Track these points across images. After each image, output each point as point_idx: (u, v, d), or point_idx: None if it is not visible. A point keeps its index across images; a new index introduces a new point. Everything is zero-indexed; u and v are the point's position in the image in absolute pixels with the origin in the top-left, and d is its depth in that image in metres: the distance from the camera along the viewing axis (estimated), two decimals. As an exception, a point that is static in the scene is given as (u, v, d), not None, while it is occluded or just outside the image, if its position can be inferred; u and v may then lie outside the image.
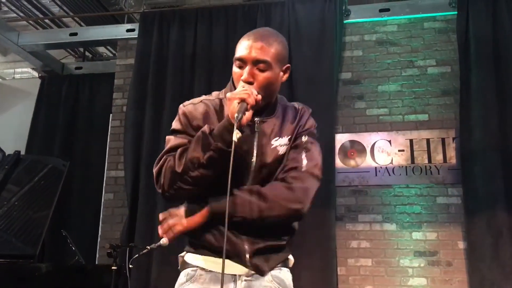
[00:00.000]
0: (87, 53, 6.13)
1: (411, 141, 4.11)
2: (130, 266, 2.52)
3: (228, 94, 1.41)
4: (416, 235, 3.88)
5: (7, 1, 5.43)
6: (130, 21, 5.09)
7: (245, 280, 1.47)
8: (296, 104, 1.67)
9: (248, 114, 1.37)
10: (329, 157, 4.04)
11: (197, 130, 1.44)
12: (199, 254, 1.49)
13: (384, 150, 4.14)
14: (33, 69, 6.43)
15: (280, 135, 1.53)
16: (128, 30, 4.81)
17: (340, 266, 3.85)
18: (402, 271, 3.80)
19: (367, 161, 4.15)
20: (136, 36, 4.65)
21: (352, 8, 4.41)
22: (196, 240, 1.50)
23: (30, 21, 5.67)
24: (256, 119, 1.50)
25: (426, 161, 4.03)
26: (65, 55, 6.08)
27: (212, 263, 1.47)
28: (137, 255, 2.51)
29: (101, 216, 4.45)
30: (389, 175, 4.09)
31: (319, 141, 4.07)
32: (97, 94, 5.32)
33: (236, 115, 1.33)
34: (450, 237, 3.83)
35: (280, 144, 1.53)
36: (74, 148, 5.16)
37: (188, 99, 1.62)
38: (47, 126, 5.25)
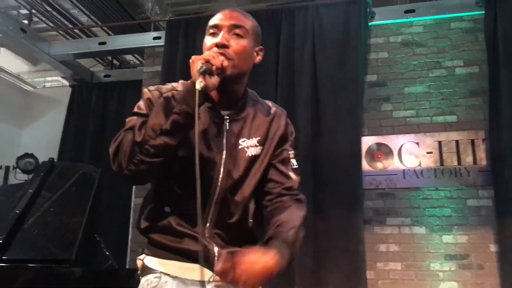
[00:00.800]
0: (115, 61, 6.27)
1: (439, 143, 4.06)
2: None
3: (193, 57, 1.28)
4: (447, 238, 3.83)
5: (38, 12, 5.60)
6: (156, 29, 5.18)
7: (215, 286, 1.33)
8: (269, 103, 1.54)
9: (214, 79, 1.27)
10: (356, 160, 4.03)
11: None
12: (162, 258, 1.36)
13: (412, 152, 4.10)
14: (63, 77, 6.60)
15: (248, 136, 1.42)
16: (154, 38, 4.90)
17: (369, 270, 3.82)
18: (433, 275, 3.75)
19: (394, 164, 4.12)
20: (163, 43, 4.73)
21: (377, 10, 4.39)
22: (158, 241, 1.36)
23: (60, 31, 5.83)
24: (225, 116, 1.41)
25: (456, 163, 3.97)
26: (94, 63, 6.23)
27: (179, 268, 1.34)
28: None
29: (130, 220, 4.53)
30: (418, 177, 4.05)
31: (345, 144, 4.05)
32: (125, 101, 5.43)
33: (199, 67, 1.22)
34: (481, 240, 3.76)
35: (247, 145, 1.42)
36: (104, 155, 5.26)
37: None
38: (78, 134, 5.38)
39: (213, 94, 1.38)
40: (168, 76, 4.55)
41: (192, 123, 1.23)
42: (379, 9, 4.40)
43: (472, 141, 3.97)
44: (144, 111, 1.34)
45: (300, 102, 4.18)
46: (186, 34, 4.66)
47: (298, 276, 3.75)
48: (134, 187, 4.63)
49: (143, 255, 1.40)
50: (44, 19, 5.71)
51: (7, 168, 5.42)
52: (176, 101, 1.25)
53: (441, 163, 4.01)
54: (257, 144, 1.43)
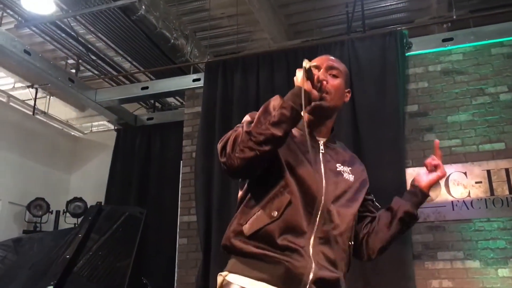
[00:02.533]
0: (157, 104, 6.48)
1: (488, 171, 3.91)
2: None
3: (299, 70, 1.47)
4: (503, 272, 3.63)
5: (84, 61, 5.91)
6: (195, 71, 5.34)
7: None
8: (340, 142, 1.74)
9: (315, 92, 1.46)
10: (400, 192, 3.91)
11: None
12: (248, 276, 1.38)
13: (459, 183, 3.97)
14: (108, 121, 6.87)
15: (342, 163, 1.59)
16: (194, 80, 5.05)
17: (422, 308, 3.67)
18: (491, 312, 3.55)
19: (442, 195, 3.99)
20: (202, 85, 4.86)
21: (414, 40, 4.37)
22: (254, 252, 1.39)
23: (105, 79, 6.11)
24: (320, 141, 1.57)
25: (507, 192, 3.81)
26: (137, 107, 6.46)
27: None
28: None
29: (176, 261, 4.56)
30: (468, 208, 3.89)
31: (389, 177, 3.96)
32: (167, 142, 5.57)
33: (305, 64, 1.42)
34: (541, 273, 3.55)
35: (343, 170, 1.57)
36: (149, 196, 5.38)
37: None
38: (124, 176, 5.54)
39: (308, 123, 1.52)
40: (208, 116, 4.65)
41: (297, 118, 1.39)
42: (416, 39, 4.38)
43: (524, 169, 3.81)
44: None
45: (340, 137, 4.13)
46: (224, 74, 4.78)
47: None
48: (178, 224, 4.67)
49: (228, 274, 1.42)
50: (89, 67, 6.02)
51: (58, 212, 5.62)
52: (284, 99, 1.40)
53: (492, 193, 3.85)
54: (350, 173, 1.59)
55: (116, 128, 6.16)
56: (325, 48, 4.51)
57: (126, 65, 6.02)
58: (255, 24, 5.55)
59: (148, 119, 5.98)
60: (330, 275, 1.40)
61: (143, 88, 5.30)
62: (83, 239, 3.19)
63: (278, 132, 1.36)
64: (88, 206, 4.88)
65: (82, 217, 4.80)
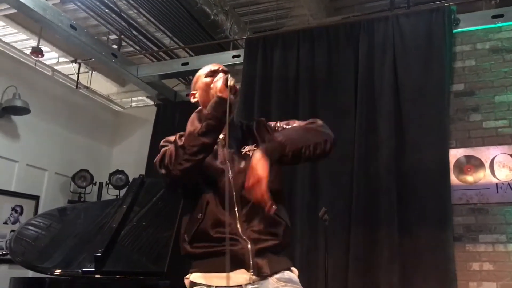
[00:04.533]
0: (196, 80, 6.51)
1: (527, 155, 3.78)
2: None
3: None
4: (546, 258, 3.54)
5: (126, 36, 5.99)
6: (235, 47, 5.33)
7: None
8: (241, 120, 1.86)
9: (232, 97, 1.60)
10: (444, 173, 3.85)
11: None
12: (203, 271, 1.57)
13: (505, 165, 3.85)
14: (148, 97, 6.98)
15: (245, 143, 1.72)
16: (234, 57, 5.05)
17: (461, 290, 3.62)
18: (532, 298, 3.47)
19: (486, 177, 3.89)
20: (242, 61, 4.86)
21: (462, 16, 4.21)
22: (200, 252, 1.57)
23: (146, 54, 6.18)
24: (221, 136, 1.68)
25: (553, 176, 3.67)
26: (177, 83, 6.53)
27: (217, 278, 1.53)
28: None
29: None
30: (513, 191, 3.79)
31: (432, 157, 3.87)
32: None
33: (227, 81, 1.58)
34: None
35: (249, 150, 1.69)
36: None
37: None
38: (163, 151, 5.63)
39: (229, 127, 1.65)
40: (247, 92, 4.65)
41: (221, 125, 1.55)
42: (465, 15, 4.22)
43: None
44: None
45: (382, 115, 4.08)
46: (264, 51, 4.75)
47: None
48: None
49: (189, 274, 1.61)
50: (131, 43, 6.09)
51: (101, 184, 5.79)
52: (207, 110, 1.57)
53: (534, 177, 3.73)
54: (254, 148, 1.68)
55: (156, 103, 6.25)
56: (367, 25, 4.40)
57: (166, 41, 6.06)
58: (295, 0, 5.47)
59: (187, 95, 6.02)
60: (267, 244, 1.56)
61: (183, 64, 5.34)
62: (127, 210, 3.27)
63: (207, 140, 1.54)
64: (130, 179, 5.01)
65: (125, 189, 4.95)
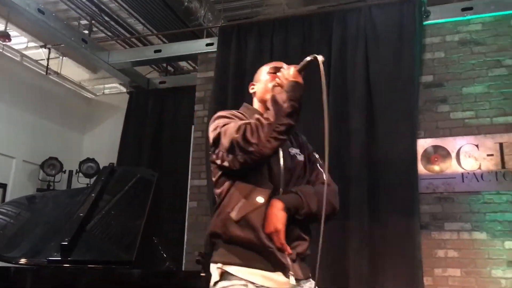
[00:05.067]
0: (170, 68, 6.46)
1: (501, 144, 3.89)
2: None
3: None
4: (509, 244, 3.65)
5: (97, 22, 5.87)
6: (209, 35, 5.29)
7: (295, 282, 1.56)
8: None
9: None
10: (411, 163, 3.94)
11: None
12: (243, 265, 1.54)
13: (471, 155, 3.95)
14: (121, 84, 6.88)
15: (292, 145, 1.79)
16: (207, 44, 5.01)
17: (426, 276, 3.72)
18: (495, 282, 3.59)
19: (452, 167, 3.98)
20: (215, 49, 4.83)
21: (432, 8, 4.27)
22: (241, 251, 1.55)
23: (118, 41, 6.07)
24: None
25: (519, 166, 3.79)
26: (150, 70, 6.45)
27: (262, 277, 1.54)
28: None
29: (186, 223, 4.65)
30: (478, 181, 3.89)
31: (401, 147, 3.95)
32: (180, 106, 5.58)
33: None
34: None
35: (296, 153, 1.78)
36: (161, 159, 5.43)
37: None
38: (136, 138, 5.59)
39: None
40: (221, 81, 4.64)
41: (300, 110, 1.55)
42: (435, 7, 4.28)
43: (537, 143, 3.78)
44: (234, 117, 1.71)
45: (354, 105, 4.13)
46: (238, 39, 4.73)
47: (353, 280, 3.71)
48: (188, 188, 4.74)
49: (220, 264, 1.56)
50: (102, 28, 5.98)
51: (71, 172, 5.71)
52: (287, 93, 1.56)
53: (503, 166, 3.84)
54: (300, 153, 1.79)
55: (128, 91, 6.17)
56: (341, 15, 4.43)
57: (139, 27, 5.96)
58: (270, -11, 5.45)
59: (161, 82, 5.98)
60: (299, 250, 1.63)
61: (156, 51, 5.27)
62: (96, 199, 3.24)
63: (292, 121, 1.53)
64: (101, 167, 4.95)
65: (95, 177, 4.90)
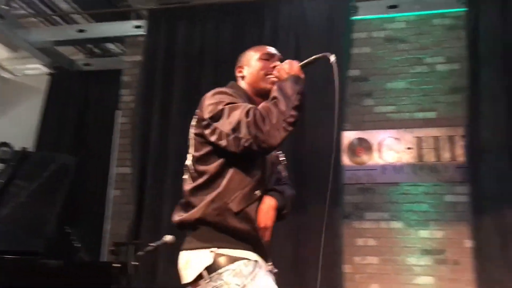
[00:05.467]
0: (96, 50, 6.16)
1: (419, 138, 4.08)
2: (135, 263, 2.54)
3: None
4: (423, 233, 3.86)
5: (17, -3, 5.47)
6: (138, 17, 5.09)
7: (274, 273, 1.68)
8: None
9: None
10: (337, 154, 4.03)
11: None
12: (243, 249, 1.56)
13: (392, 148, 4.12)
14: (43, 65, 6.47)
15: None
16: (136, 27, 4.82)
17: (346, 264, 3.84)
18: (409, 270, 3.78)
19: (374, 159, 4.13)
20: (144, 32, 4.66)
21: (360, 4, 4.38)
22: (233, 239, 1.57)
23: (39, 18, 5.69)
24: None
25: (434, 159, 4.00)
26: (74, 51, 6.11)
27: (260, 258, 1.60)
28: (141, 252, 2.53)
29: (106, 212, 4.48)
30: (397, 173, 4.07)
31: (327, 139, 4.02)
32: (105, 90, 5.34)
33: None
34: (457, 235, 3.80)
35: (279, 156, 1.88)
36: (82, 144, 5.19)
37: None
38: (57, 122, 5.29)
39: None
40: (149, 65, 4.50)
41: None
42: (363, 3, 4.39)
43: (451, 138, 4.00)
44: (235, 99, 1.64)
45: (283, 95, 4.14)
46: (168, 24, 4.60)
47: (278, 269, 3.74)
48: (112, 175, 4.57)
49: (216, 248, 1.53)
50: (23, 5, 5.57)
51: (-17, 156, 5.30)
52: (294, 84, 1.59)
53: (420, 159, 4.04)
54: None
55: (50, 72, 5.81)
56: (274, 5, 4.42)
57: (63, 5, 5.62)
58: (203, -27, 5.33)
59: (85, 64, 5.68)
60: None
61: (79, 31, 4.99)
62: (5, 185, 3.03)
63: (299, 114, 1.54)
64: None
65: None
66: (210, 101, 1.63)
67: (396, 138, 4.12)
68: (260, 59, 1.83)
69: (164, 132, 4.30)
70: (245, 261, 1.52)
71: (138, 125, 4.40)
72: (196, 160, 1.65)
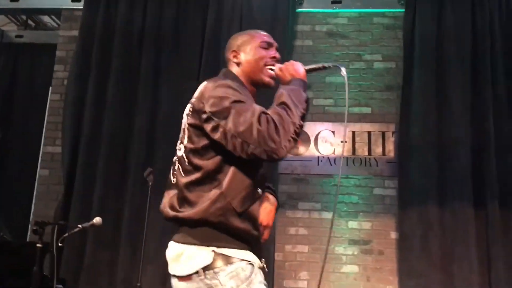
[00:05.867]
0: (31, 22, 5.81)
1: (353, 133, 4.20)
2: (60, 244, 2.44)
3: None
4: (352, 224, 4.00)
5: None
6: (77, -10, 4.85)
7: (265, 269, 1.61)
8: None
9: None
10: (274, 144, 4.06)
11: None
12: (241, 249, 1.51)
13: (327, 140, 4.21)
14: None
15: None
16: (73, 0, 4.59)
17: (277, 252, 3.91)
18: (336, 258, 3.91)
19: (310, 150, 4.21)
20: (82, 7, 4.45)
21: (306, -3, 4.43)
22: (233, 239, 1.51)
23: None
24: None
25: (366, 153, 4.14)
26: (6, 22, 5.74)
27: (258, 260, 1.55)
28: (66, 234, 2.43)
29: (35, 192, 4.28)
30: (331, 165, 4.17)
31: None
32: (38, 65, 5.07)
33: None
34: (383, 227, 3.97)
35: None
36: (11, 120, 4.91)
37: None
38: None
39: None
40: (85, 42, 4.32)
41: None
42: (308, -4, 4.44)
43: (383, 133, 4.16)
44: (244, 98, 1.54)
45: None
46: (108, 0, 4.41)
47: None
48: (40, 154, 4.36)
49: (215, 248, 1.48)
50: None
51: None
52: (302, 92, 1.56)
53: (353, 153, 4.16)
54: None
55: (-24, 41, 5.42)
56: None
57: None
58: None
59: (17, 36, 5.35)
60: None
61: (12, 0, 4.69)
62: None
63: (304, 123, 1.52)
64: None
65: None
66: (213, 93, 1.52)
67: (331, 131, 4.23)
68: (260, 47, 1.74)
69: (99, 112, 4.15)
70: (243, 264, 1.48)
71: (70, 103, 4.22)
72: (191, 152, 1.56)
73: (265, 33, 1.81)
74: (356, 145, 4.18)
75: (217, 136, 1.48)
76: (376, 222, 3.97)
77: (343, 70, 1.62)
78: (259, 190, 1.57)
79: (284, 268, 3.91)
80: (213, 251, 1.47)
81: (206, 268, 1.45)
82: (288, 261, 3.93)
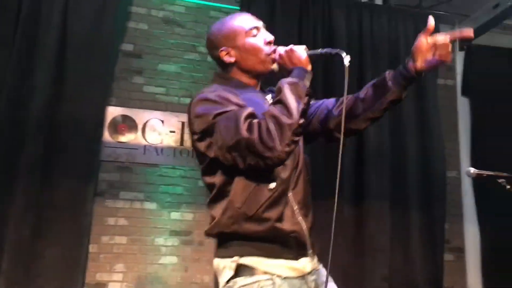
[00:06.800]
0: None
1: (183, 123, 4.19)
2: None
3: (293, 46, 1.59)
4: (175, 215, 3.99)
5: None
6: None
7: (313, 279, 1.50)
8: None
9: None
10: (97, 129, 3.85)
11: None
12: (269, 257, 1.43)
13: (156, 129, 4.13)
14: None
15: None
16: None
17: (92, 244, 3.72)
18: (155, 250, 3.87)
19: (137, 138, 4.09)
20: None
21: (141, -22, 4.25)
22: (259, 244, 1.44)
23: None
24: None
25: (194, 144, 4.16)
26: None
27: (287, 268, 1.44)
28: None
29: None
30: (157, 154, 4.10)
31: (89, 111, 3.78)
32: None
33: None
34: (205, 218, 4.00)
35: None
36: None
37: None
38: None
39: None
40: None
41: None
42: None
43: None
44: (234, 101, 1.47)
45: (43, 60, 3.72)
46: None
47: (11, 249, 3.37)
48: None
49: (235, 257, 1.43)
50: None
51: None
52: (304, 84, 1.44)
53: (181, 143, 4.15)
54: None
55: None
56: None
57: None
58: None
59: None
60: (312, 222, 1.56)
61: None
62: None
63: (304, 120, 1.41)
64: None
65: None
66: (196, 112, 1.50)
67: (161, 120, 4.15)
68: (250, 35, 1.62)
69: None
70: (264, 280, 1.40)
71: None
72: (202, 172, 1.58)
73: (246, 15, 1.69)
74: (185, 136, 4.17)
75: (212, 154, 1.47)
76: (198, 213, 4.03)
77: (346, 59, 1.50)
78: (272, 184, 1.45)
79: (99, 260, 3.73)
80: (233, 261, 1.45)
81: (228, 281, 1.44)
82: (104, 253, 3.76)
